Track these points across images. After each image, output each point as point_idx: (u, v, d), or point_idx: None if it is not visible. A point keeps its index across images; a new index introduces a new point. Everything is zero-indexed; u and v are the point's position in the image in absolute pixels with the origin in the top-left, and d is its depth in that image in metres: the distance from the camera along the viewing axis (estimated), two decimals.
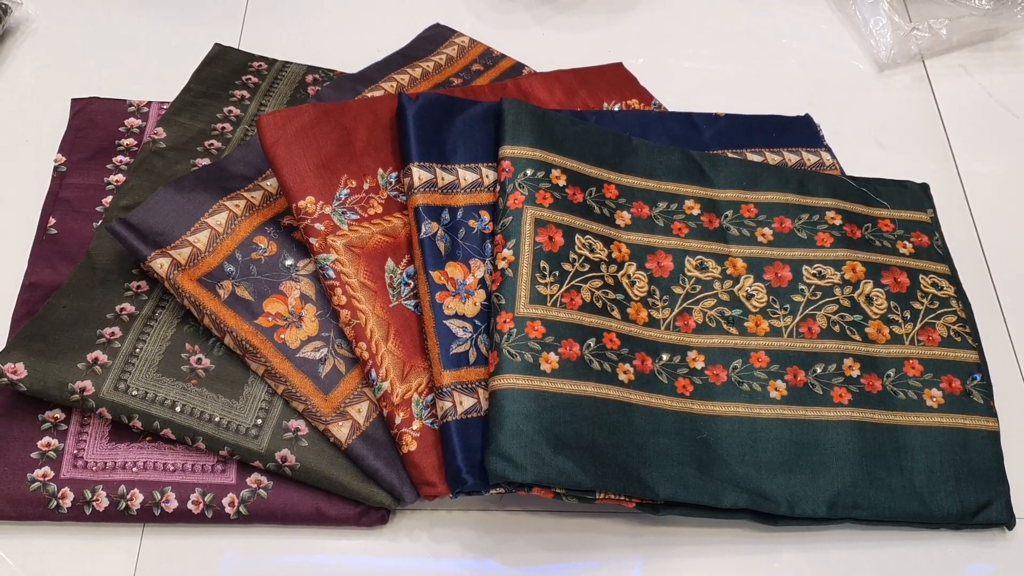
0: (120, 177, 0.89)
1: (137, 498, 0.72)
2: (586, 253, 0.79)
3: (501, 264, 0.77)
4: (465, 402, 0.73)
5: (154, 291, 0.79)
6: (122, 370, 0.73)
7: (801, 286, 0.83)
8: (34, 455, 0.73)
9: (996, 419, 0.79)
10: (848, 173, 0.95)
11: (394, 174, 0.83)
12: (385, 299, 0.77)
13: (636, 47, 1.09)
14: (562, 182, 0.82)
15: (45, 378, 0.71)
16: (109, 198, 0.87)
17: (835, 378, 0.79)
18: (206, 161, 0.89)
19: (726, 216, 0.86)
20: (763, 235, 0.86)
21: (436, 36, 1.04)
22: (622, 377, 0.75)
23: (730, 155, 0.93)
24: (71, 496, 0.71)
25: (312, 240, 0.77)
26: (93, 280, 0.79)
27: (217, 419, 0.73)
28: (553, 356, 0.73)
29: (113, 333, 0.75)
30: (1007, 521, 0.76)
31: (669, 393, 0.76)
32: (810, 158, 0.95)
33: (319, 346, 0.76)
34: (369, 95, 0.93)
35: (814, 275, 0.84)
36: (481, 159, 0.84)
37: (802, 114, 1.00)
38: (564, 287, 0.77)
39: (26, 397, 0.74)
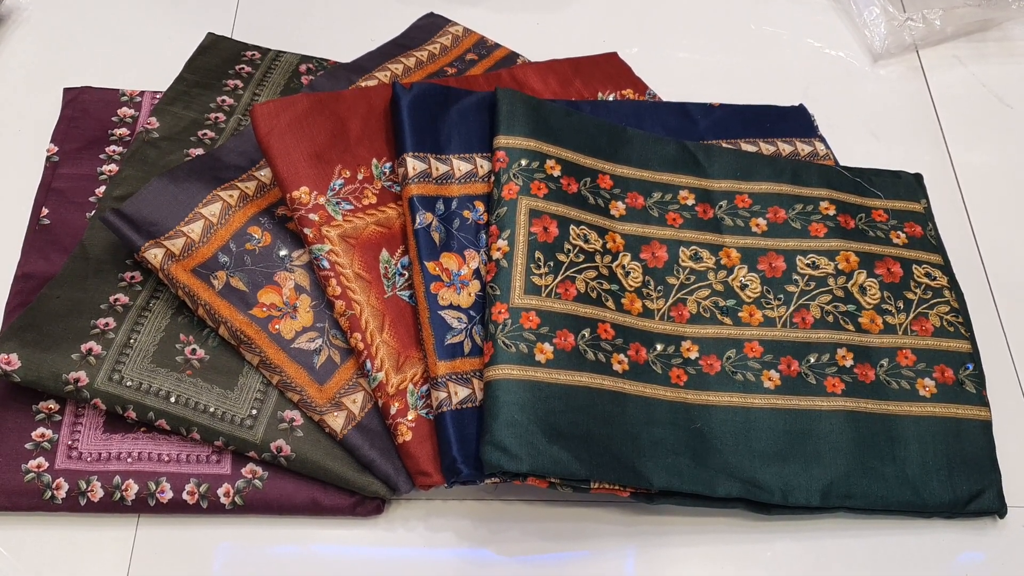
0: (113, 167, 0.89)
1: (132, 489, 0.72)
2: (581, 243, 0.79)
3: (496, 254, 0.77)
4: (460, 392, 0.73)
5: (148, 281, 0.79)
6: (116, 360, 0.73)
7: (795, 276, 0.83)
8: (28, 446, 0.72)
9: (988, 408, 0.80)
10: (842, 163, 0.95)
11: (388, 164, 0.83)
12: (380, 290, 0.77)
13: (630, 37, 1.09)
14: (557, 172, 0.82)
15: (39, 369, 0.71)
16: (102, 188, 0.87)
17: (828, 368, 0.79)
18: (200, 151, 0.89)
19: (720, 206, 0.86)
20: (757, 225, 0.86)
21: (430, 25, 1.04)
22: (616, 367, 0.75)
23: (724, 145, 0.93)
24: (66, 487, 0.71)
25: (306, 230, 0.77)
26: (87, 270, 0.78)
27: (212, 409, 0.73)
28: (548, 346, 0.73)
29: (107, 324, 0.75)
30: (999, 509, 0.76)
31: (663, 383, 0.76)
32: (804, 148, 0.95)
33: (314, 336, 0.76)
34: (363, 84, 0.92)
35: (808, 265, 0.84)
36: (476, 149, 0.84)
37: (796, 104, 1.00)
38: (559, 277, 0.77)
39: (20, 388, 0.73)
